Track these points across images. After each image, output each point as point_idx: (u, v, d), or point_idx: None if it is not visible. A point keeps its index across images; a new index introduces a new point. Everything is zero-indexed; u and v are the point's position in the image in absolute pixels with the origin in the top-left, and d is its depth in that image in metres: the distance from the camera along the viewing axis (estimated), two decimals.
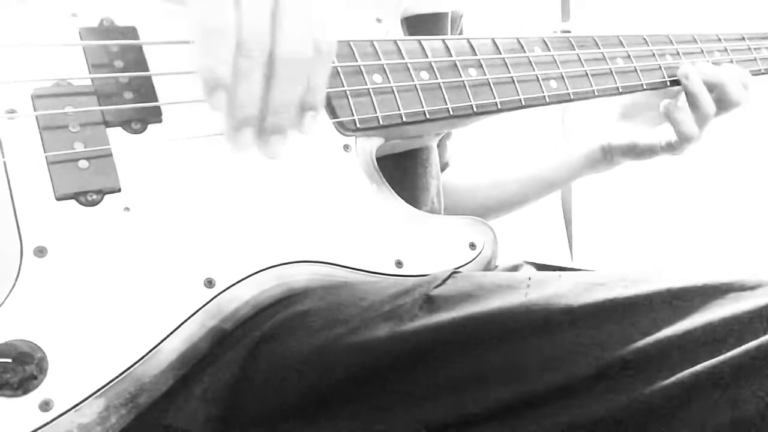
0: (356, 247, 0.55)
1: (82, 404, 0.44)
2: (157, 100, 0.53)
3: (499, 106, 0.65)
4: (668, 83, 0.78)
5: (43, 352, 0.44)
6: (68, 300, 0.46)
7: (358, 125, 0.59)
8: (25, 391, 0.43)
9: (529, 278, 0.50)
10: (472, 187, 0.94)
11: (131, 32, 0.54)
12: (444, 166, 0.93)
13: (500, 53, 0.66)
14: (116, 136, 0.51)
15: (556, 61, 0.69)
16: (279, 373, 0.49)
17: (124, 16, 0.55)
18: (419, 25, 0.74)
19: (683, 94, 0.79)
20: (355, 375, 0.47)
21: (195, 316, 0.49)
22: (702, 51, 0.81)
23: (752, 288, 0.45)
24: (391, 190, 0.60)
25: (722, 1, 1.66)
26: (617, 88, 0.73)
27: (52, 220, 0.48)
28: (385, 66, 0.61)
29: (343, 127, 0.59)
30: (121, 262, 0.48)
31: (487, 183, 0.94)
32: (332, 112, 0.58)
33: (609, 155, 0.86)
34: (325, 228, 0.55)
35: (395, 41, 0.62)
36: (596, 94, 0.72)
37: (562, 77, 0.69)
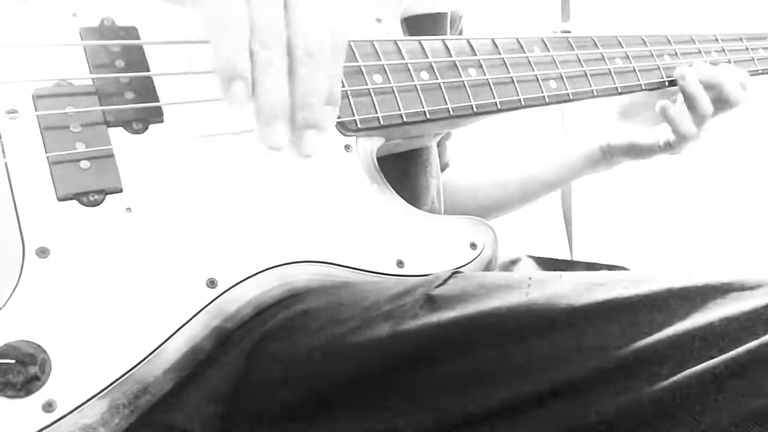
0: (357, 247, 0.55)
1: (85, 405, 0.44)
2: (158, 100, 0.53)
3: (499, 106, 0.65)
4: (667, 83, 0.78)
5: (46, 353, 0.44)
6: (71, 301, 0.46)
7: (359, 125, 0.59)
8: (28, 393, 0.43)
9: (530, 278, 0.50)
10: (472, 187, 0.94)
11: (132, 32, 0.54)
12: (444, 166, 0.93)
13: (500, 53, 0.67)
14: (117, 136, 0.51)
15: (555, 61, 0.70)
16: (280, 372, 0.49)
17: (124, 16, 0.55)
18: (419, 25, 0.74)
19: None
20: (355, 375, 0.47)
21: (197, 316, 0.49)
22: (700, 51, 0.81)
23: (752, 288, 0.45)
24: (392, 190, 0.60)
25: (722, 1, 1.66)
26: (616, 88, 0.74)
27: (54, 220, 0.48)
28: (385, 66, 0.61)
29: (343, 128, 0.59)
30: (123, 262, 0.48)
31: (487, 182, 0.94)
32: None
33: (608, 155, 0.86)
34: (327, 228, 0.55)
35: (395, 41, 0.62)
36: (595, 94, 0.72)
37: (562, 77, 0.70)
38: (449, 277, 0.51)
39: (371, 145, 0.60)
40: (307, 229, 0.54)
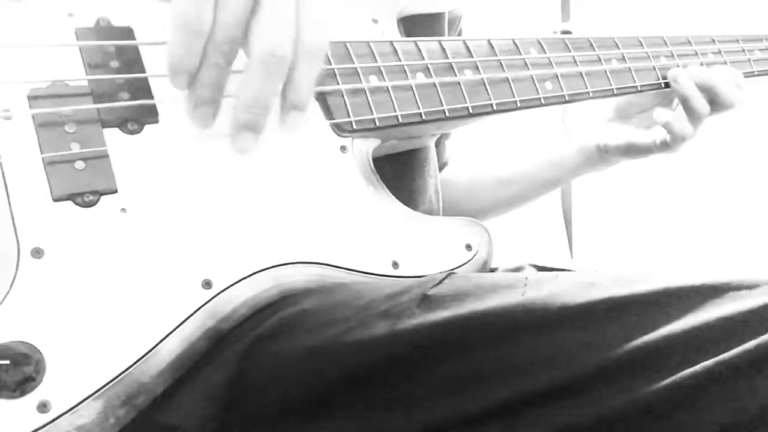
0: (352, 249, 0.55)
1: (80, 405, 0.44)
2: (153, 101, 0.53)
3: (495, 108, 0.65)
4: (662, 85, 0.78)
5: (41, 354, 0.44)
6: (65, 301, 0.46)
7: (354, 126, 0.59)
8: (23, 393, 0.43)
9: (527, 278, 0.50)
10: (471, 186, 0.94)
11: (128, 33, 0.54)
12: (443, 165, 0.94)
13: (496, 54, 0.67)
14: (113, 136, 0.51)
15: (551, 62, 0.70)
16: (277, 372, 0.49)
17: (120, 17, 0.55)
18: (416, 25, 0.74)
19: None
20: (352, 374, 0.47)
21: (193, 317, 0.49)
22: (696, 53, 0.81)
23: (750, 288, 0.45)
24: (388, 191, 0.60)
25: (722, 1, 1.66)
26: (612, 89, 0.74)
27: (49, 221, 0.48)
28: (381, 67, 0.61)
29: (339, 129, 0.59)
30: (118, 263, 0.48)
31: (486, 181, 0.94)
32: (328, 113, 0.58)
33: (605, 155, 0.86)
34: (322, 229, 0.55)
35: (391, 42, 0.62)
36: (591, 95, 0.72)
37: (558, 78, 0.70)
38: (445, 278, 0.51)
39: (367, 146, 0.60)
40: (302, 230, 0.54)
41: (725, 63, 0.83)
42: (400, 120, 0.60)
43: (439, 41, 0.65)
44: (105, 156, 0.50)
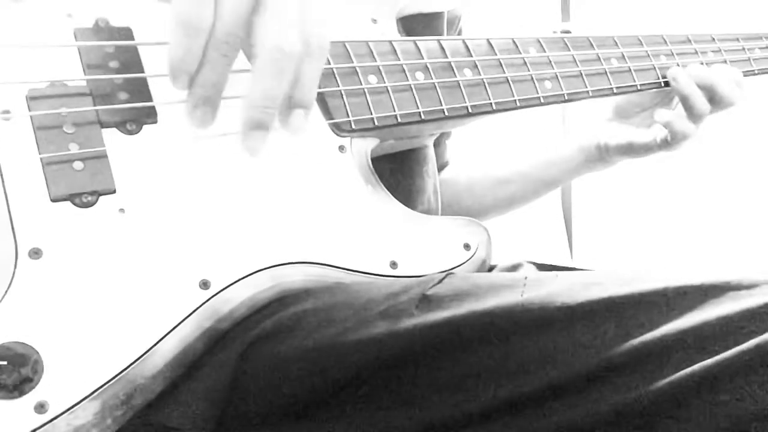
0: (351, 248, 0.55)
1: (78, 406, 0.44)
2: (152, 101, 0.53)
3: (494, 107, 0.65)
4: (662, 84, 0.78)
5: (39, 354, 0.44)
6: (63, 302, 0.46)
7: (353, 126, 0.59)
8: (21, 393, 0.43)
9: (526, 278, 0.50)
10: (471, 186, 0.94)
11: (126, 33, 0.54)
12: (444, 165, 0.93)
13: (495, 54, 0.67)
14: (111, 137, 0.51)
15: (551, 61, 0.70)
16: (275, 373, 0.49)
17: (119, 17, 0.55)
18: (415, 25, 0.74)
19: None
20: (351, 374, 0.47)
21: (190, 317, 0.49)
22: (696, 51, 0.81)
23: (749, 287, 0.45)
24: (386, 191, 0.60)
25: (722, 1, 1.66)
26: (612, 88, 0.73)
27: (47, 221, 0.48)
28: (380, 67, 0.61)
29: (338, 128, 0.59)
30: (116, 263, 0.48)
31: (486, 181, 0.94)
32: (327, 112, 0.58)
33: (605, 154, 0.86)
34: (320, 229, 0.55)
35: (391, 42, 0.62)
36: (591, 94, 0.72)
37: (557, 78, 0.69)
38: (444, 277, 0.51)
39: (366, 146, 0.60)
40: (300, 230, 0.54)
41: (725, 62, 0.83)
42: (399, 120, 0.60)
43: (439, 40, 0.65)
44: (103, 156, 0.50)
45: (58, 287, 0.46)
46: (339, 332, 0.48)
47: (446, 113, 0.63)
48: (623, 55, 0.75)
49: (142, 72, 0.53)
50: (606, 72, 0.73)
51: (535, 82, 0.68)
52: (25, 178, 0.48)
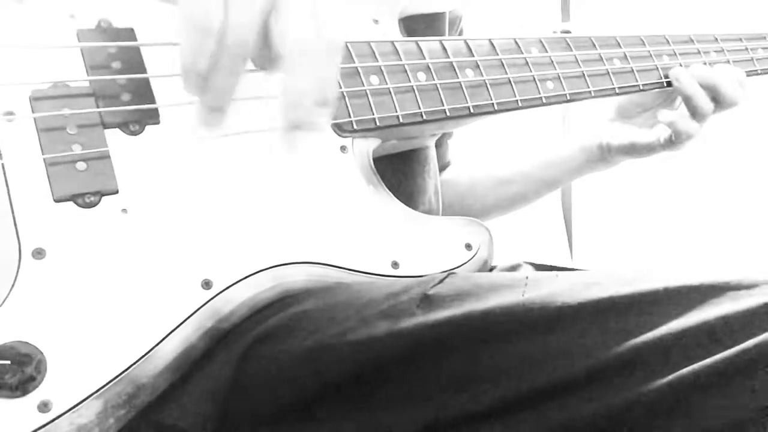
0: (352, 248, 0.55)
1: (81, 405, 0.44)
2: (154, 102, 0.53)
3: (496, 107, 0.65)
4: (665, 84, 0.78)
5: (42, 354, 0.44)
6: (66, 302, 0.46)
7: (355, 126, 0.59)
8: (24, 393, 0.43)
9: (527, 278, 0.50)
10: (472, 186, 0.94)
11: (129, 34, 0.54)
12: (446, 165, 0.94)
13: (497, 54, 0.67)
14: (114, 137, 0.51)
15: (553, 62, 0.70)
16: (277, 372, 0.49)
17: (121, 18, 0.55)
18: (417, 25, 0.74)
19: None
20: (352, 374, 0.47)
21: (192, 317, 0.49)
22: (699, 51, 0.81)
23: (749, 287, 0.45)
24: (388, 191, 0.60)
25: (722, 0, 1.66)
26: (614, 89, 0.73)
27: (50, 221, 0.48)
28: (382, 67, 0.61)
29: (340, 129, 0.59)
30: (118, 263, 0.48)
31: (488, 182, 0.94)
32: None
33: (607, 155, 0.86)
34: (322, 229, 0.55)
35: (392, 42, 0.62)
36: (593, 95, 0.72)
37: (559, 78, 0.69)
38: (445, 277, 0.51)
39: (367, 146, 0.60)
40: (302, 230, 0.54)
41: (728, 62, 0.83)
42: (401, 120, 0.60)
43: (440, 41, 0.65)
44: (106, 157, 0.50)
45: (61, 287, 0.46)
46: (340, 332, 0.48)
47: (448, 114, 0.63)
48: (626, 56, 0.75)
49: (145, 73, 0.53)
50: (608, 72, 0.73)
51: (537, 82, 0.68)
52: (29, 178, 0.48)
